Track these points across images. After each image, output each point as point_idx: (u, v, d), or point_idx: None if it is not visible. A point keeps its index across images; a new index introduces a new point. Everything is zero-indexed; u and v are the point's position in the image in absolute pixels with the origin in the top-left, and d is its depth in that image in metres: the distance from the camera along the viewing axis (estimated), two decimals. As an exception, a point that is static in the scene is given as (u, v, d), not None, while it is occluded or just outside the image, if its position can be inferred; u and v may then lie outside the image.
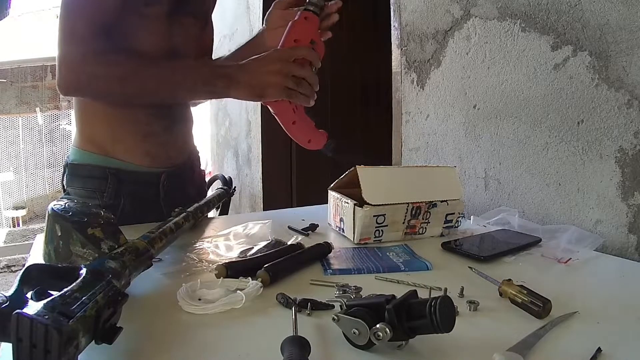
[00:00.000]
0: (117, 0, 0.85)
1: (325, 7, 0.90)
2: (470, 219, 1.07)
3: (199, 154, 1.19)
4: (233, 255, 0.80)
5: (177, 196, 1.03)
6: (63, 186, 1.01)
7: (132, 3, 0.87)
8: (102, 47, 0.84)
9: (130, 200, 0.98)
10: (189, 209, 0.87)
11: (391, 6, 1.48)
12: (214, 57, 1.15)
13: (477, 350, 0.50)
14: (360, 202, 0.87)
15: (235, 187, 1.23)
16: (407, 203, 0.89)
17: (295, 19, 0.88)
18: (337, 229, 0.96)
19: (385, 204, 0.87)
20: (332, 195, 0.97)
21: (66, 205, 0.64)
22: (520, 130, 1.09)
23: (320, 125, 0.90)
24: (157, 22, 0.92)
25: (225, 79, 0.85)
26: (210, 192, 1.16)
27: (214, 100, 3.50)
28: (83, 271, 0.49)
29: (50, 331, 0.37)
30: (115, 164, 0.96)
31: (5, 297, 0.44)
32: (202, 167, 1.21)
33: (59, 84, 0.85)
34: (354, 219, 0.87)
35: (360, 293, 0.63)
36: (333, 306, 0.59)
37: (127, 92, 0.87)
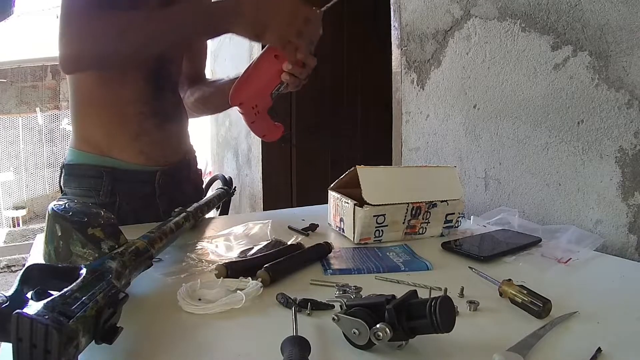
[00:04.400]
0: None
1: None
2: (470, 219, 1.07)
3: (196, 154, 1.19)
4: (233, 255, 0.80)
5: (174, 194, 1.03)
6: (60, 187, 1.01)
7: None
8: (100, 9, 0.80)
9: (126, 199, 0.98)
10: (189, 209, 0.87)
11: (391, 6, 1.48)
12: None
13: (477, 350, 0.50)
14: (360, 202, 0.87)
15: (235, 187, 1.23)
16: (407, 203, 0.89)
17: None
18: (337, 229, 0.96)
19: (385, 204, 0.87)
20: (332, 195, 0.97)
21: (66, 205, 0.64)
22: (520, 130, 1.09)
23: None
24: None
25: (230, 6, 0.83)
26: (210, 192, 1.16)
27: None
28: (83, 271, 0.49)
29: (50, 331, 0.37)
30: (111, 163, 0.96)
31: (5, 297, 0.44)
32: (200, 167, 1.22)
33: (61, 61, 0.81)
34: (354, 219, 0.87)
35: (360, 293, 0.63)
36: (333, 306, 0.59)
37: (128, 42, 0.80)
